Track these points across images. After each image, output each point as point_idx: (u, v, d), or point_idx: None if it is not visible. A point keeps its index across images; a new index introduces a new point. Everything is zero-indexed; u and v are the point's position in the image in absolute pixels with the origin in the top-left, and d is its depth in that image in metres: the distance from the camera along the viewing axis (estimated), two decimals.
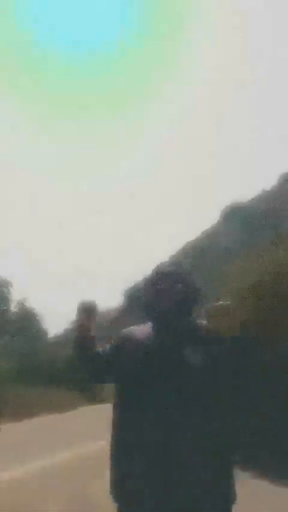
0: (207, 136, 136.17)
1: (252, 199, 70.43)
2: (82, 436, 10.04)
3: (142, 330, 1.72)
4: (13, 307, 45.06)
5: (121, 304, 60.33)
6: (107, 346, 1.78)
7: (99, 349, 1.78)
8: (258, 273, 6.99)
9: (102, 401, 18.99)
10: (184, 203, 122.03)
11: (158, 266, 1.78)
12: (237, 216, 63.33)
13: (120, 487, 1.56)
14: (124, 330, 1.79)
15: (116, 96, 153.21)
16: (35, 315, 46.13)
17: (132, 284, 59.43)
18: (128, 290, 59.92)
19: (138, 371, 1.58)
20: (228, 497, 1.54)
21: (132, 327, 1.78)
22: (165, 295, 1.67)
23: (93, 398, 16.36)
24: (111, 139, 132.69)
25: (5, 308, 42.94)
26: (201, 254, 57.87)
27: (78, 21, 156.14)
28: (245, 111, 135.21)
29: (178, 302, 1.66)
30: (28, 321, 43.94)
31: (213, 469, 1.49)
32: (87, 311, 1.82)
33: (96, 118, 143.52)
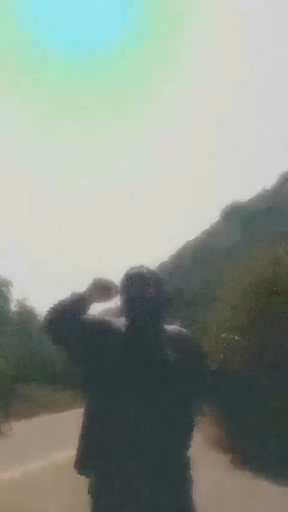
0: (207, 136, 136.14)
1: (252, 199, 70.36)
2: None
3: (120, 323, 1.72)
4: (13, 307, 45.07)
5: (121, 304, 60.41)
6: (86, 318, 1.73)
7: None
8: (258, 273, 6.98)
9: None
10: (184, 203, 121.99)
11: (129, 269, 1.79)
12: (237, 216, 63.31)
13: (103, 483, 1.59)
14: (107, 317, 1.78)
15: (116, 96, 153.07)
16: (35, 315, 46.13)
17: None
18: None
19: (109, 362, 1.61)
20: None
21: (113, 319, 1.77)
22: (138, 297, 1.71)
23: None
24: (111, 139, 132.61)
25: (5, 308, 42.91)
26: (201, 254, 57.82)
27: (78, 21, 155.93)
28: (245, 111, 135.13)
29: (150, 304, 1.70)
30: (28, 321, 43.93)
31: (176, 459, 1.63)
32: (101, 290, 1.73)
33: (96, 118, 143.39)
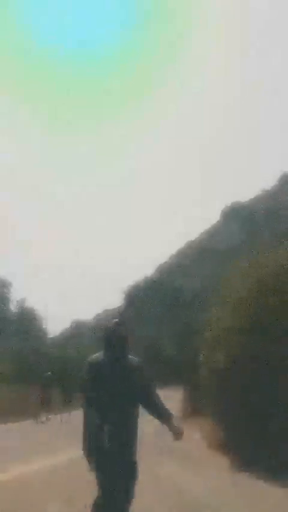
0: (207, 136, 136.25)
1: (253, 199, 70.39)
2: (81, 436, 10.00)
3: (101, 358, 2.88)
4: (13, 307, 45.07)
5: (121, 304, 60.42)
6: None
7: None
8: (259, 273, 6.97)
9: None
10: (184, 203, 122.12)
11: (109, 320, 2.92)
12: (237, 217, 63.39)
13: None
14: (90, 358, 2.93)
15: (116, 96, 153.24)
16: (35, 315, 46.11)
17: (132, 284, 59.59)
18: (128, 290, 60.04)
19: (99, 384, 2.79)
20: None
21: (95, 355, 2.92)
22: (115, 334, 2.86)
23: None
24: (111, 139, 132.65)
25: (5, 308, 42.96)
26: (202, 254, 57.83)
27: (79, 21, 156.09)
28: (245, 112, 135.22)
29: (121, 339, 2.85)
30: (28, 321, 43.93)
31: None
32: None
33: (96, 118, 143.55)
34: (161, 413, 2.86)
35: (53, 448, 8.00)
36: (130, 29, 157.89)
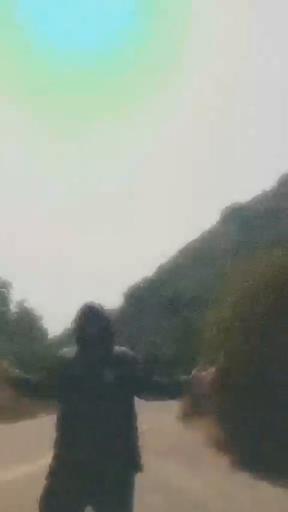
0: (207, 136, 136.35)
1: (252, 200, 70.35)
2: None
3: (71, 351, 2.24)
4: (13, 307, 44.97)
5: (121, 304, 60.41)
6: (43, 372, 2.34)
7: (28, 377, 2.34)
8: (258, 274, 6.99)
9: None
10: (184, 203, 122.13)
11: (85, 304, 2.24)
12: (236, 217, 63.40)
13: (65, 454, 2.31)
14: (58, 352, 2.34)
15: (116, 96, 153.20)
16: (35, 315, 46.04)
17: (132, 284, 59.56)
18: (128, 290, 60.04)
19: (67, 385, 2.14)
20: None
21: (64, 349, 2.33)
22: (91, 325, 2.16)
23: None
24: (111, 140, 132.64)
25: (4, 308, 42.88)
26: (201, 255, 57.83)
27: (79, 22, 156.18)
28: (245, 112, 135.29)
29: (100, 331, 2.16)
30: (28, 321, 43.86)
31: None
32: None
33: (96, 118, 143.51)
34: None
35: None
36: (130, 29, 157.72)
